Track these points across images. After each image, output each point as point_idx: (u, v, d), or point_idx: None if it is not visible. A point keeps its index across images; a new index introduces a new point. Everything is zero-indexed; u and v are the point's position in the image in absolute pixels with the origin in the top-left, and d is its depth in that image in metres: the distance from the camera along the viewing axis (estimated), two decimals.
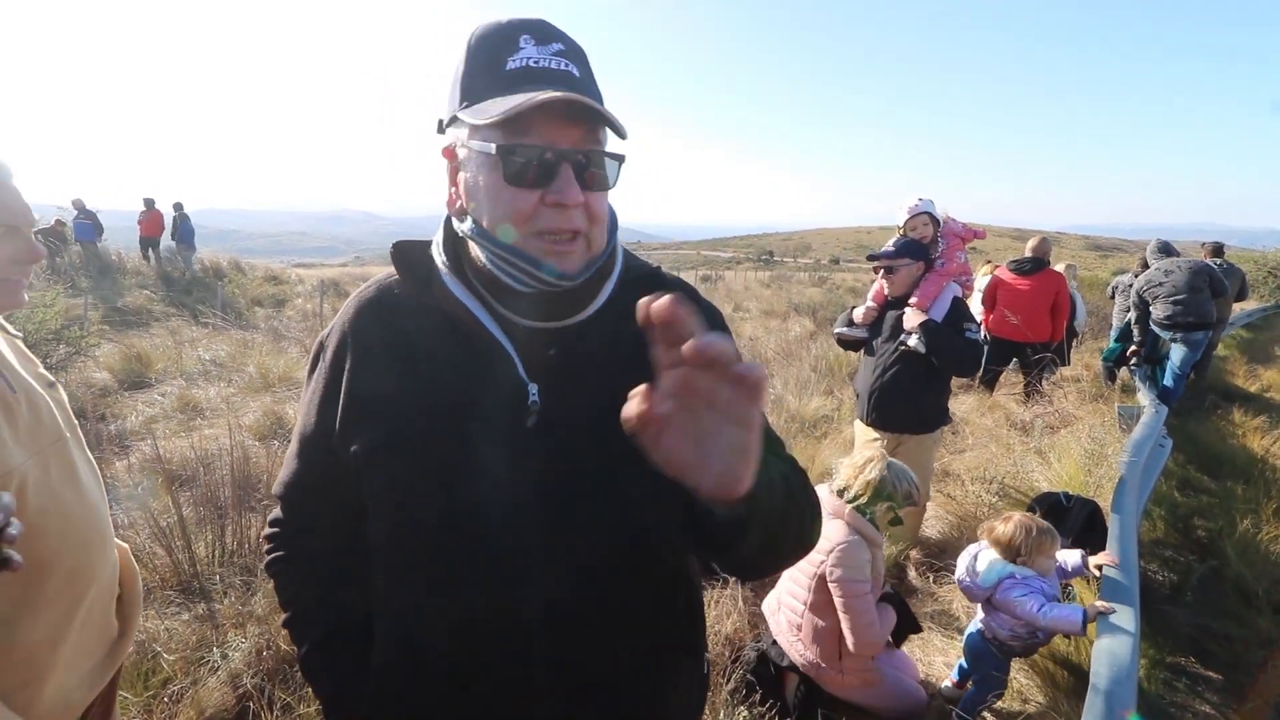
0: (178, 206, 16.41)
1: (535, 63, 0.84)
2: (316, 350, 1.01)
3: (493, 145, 0.82)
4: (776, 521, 0.79)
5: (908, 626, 2.72)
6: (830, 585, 2.44)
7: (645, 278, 1.00)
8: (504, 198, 0.83)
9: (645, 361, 0.94)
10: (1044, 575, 2.54)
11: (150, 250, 16.31)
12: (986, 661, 2.63)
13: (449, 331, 0.92)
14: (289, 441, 1.08)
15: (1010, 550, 2.56)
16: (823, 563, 2.45)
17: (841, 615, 2.42)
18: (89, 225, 15.36)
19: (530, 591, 0.91)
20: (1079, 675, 2.61)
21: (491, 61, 0.85)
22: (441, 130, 0.93)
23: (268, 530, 1.10)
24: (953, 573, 3.59)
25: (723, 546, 0.79)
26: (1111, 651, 2.12)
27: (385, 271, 1.03)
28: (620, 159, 0.88)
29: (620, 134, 0.85)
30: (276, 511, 1.09)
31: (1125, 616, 2.33)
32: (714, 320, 1.05)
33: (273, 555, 1.09)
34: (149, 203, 16.27)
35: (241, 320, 11.21)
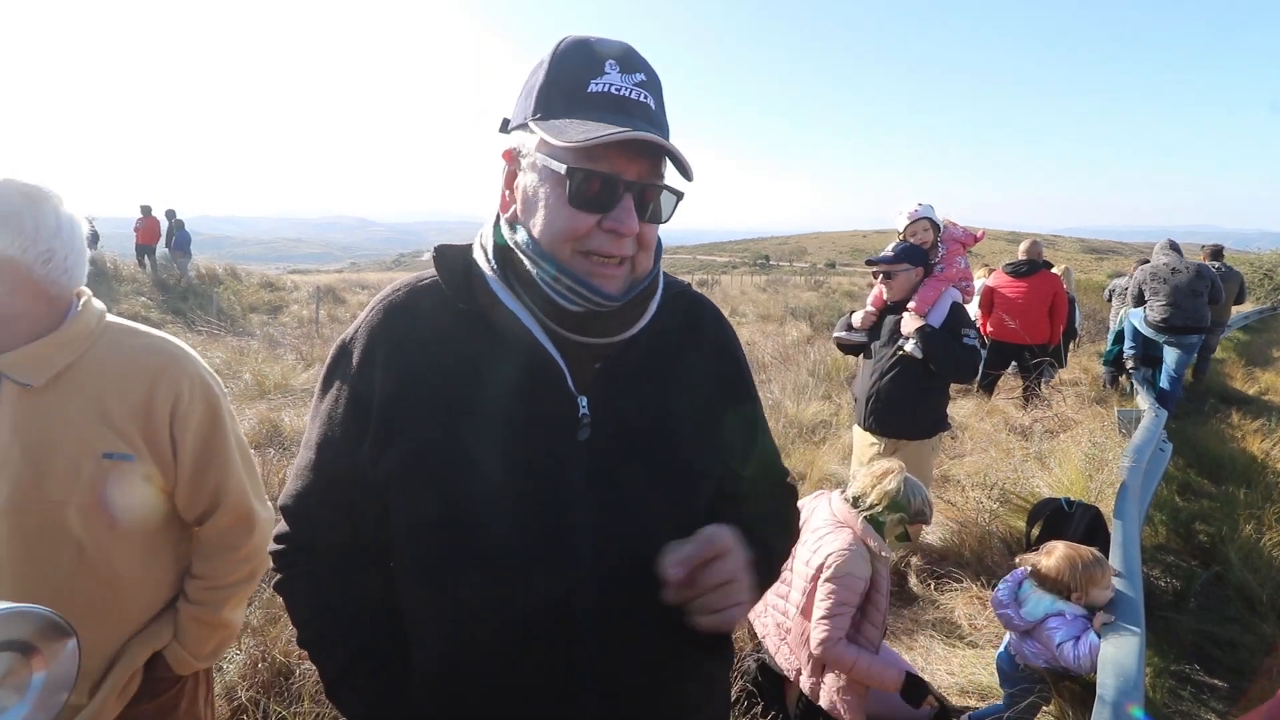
0: (170, 214, 16.32)
1: (618, 90, 0.86)
2: (337, 355, 0.98)
3: (563, 166, 0.84)
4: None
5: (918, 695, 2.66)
6: (820, 585, 2.40)
7: (679, 295, 1.05)
8: (563, 215, 0.85)
9: (683, 375, 1.00)
10: (1099, 605, 2.44)
11: (146, 257, 16.23)
12: (1012, 682, 2.59)
13: (491, 339, 0.92)
14: (288, 450, 1.06)
15: (1058, 587, 2.47)
16: (821, 566, 2.41)
17: (815, 610, 2.38)
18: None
19: (581, 599, 0.91)
20: (1085, 684, 2.59)
21: (575, 80, 0.87)
22: (505, 130, 0.95)
23: (274, 547, 1.05)
24: (955, 580, 3.58)
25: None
26: (1117, 661, 2.10)
27: (412, 275, 1.01)
28: (679, 195, 0.91)
29: (687, 175, 0.87)
30: (282, 526, 1.05)
31: (1130, 625, 2.31)
32: (731, 344, 1.10)
33: (283, 574, 1.04)
34: (145, 210, 16.18)
35: (237, 327, 11.18)
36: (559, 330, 0.90)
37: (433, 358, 0.92)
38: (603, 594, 0.91)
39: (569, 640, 0.91)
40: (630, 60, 0.88)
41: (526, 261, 0.89)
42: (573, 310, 0.88)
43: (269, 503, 1.47)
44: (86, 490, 1.22)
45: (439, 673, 0.97)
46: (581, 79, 0.86)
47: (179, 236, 16.06)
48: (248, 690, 2.38)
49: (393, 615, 1.00)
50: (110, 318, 1.34)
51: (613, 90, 0.86)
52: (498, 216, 0.95)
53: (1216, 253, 7.86)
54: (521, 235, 0.89)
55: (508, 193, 0.93)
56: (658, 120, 0.88)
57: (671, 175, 0.90)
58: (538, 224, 0.88)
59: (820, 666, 2.45)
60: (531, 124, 0.87)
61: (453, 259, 0.96)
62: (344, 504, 0.97)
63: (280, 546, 1.04)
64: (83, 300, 1.30)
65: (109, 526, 1.25)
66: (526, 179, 0.90)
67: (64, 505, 1.21)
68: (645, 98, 0.88)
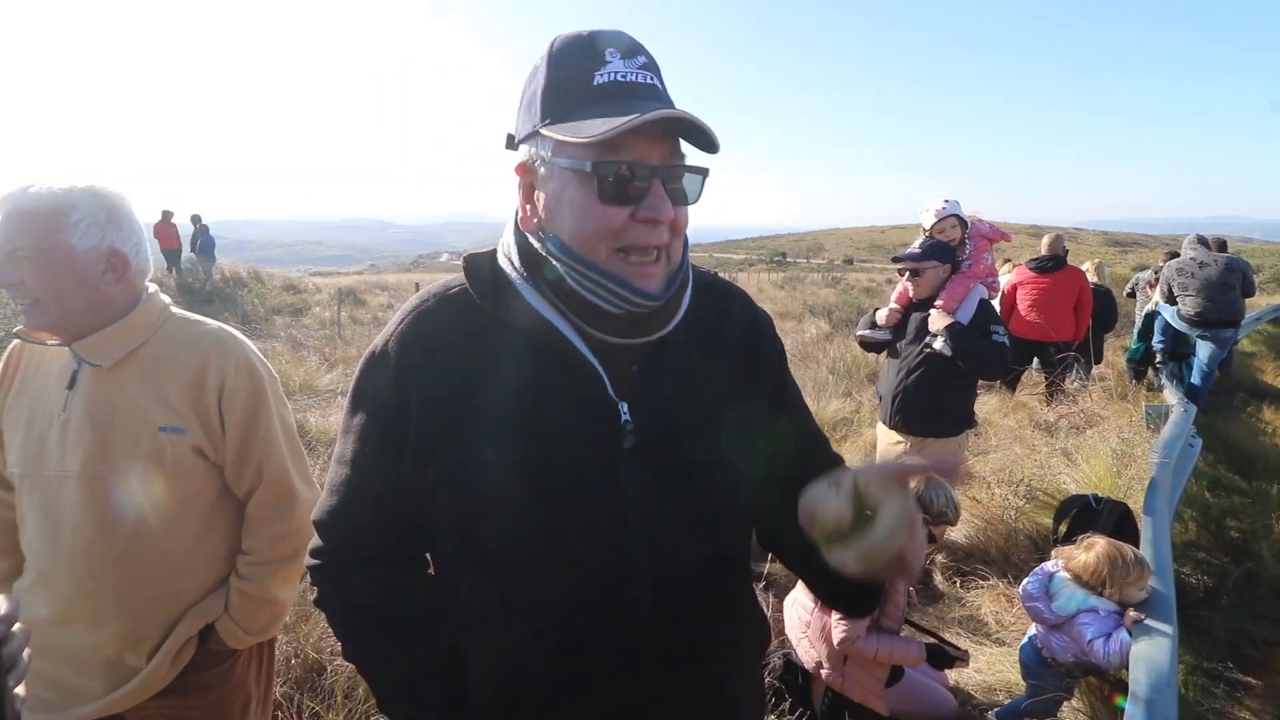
0: (196, 218, 16.52)
1: (623, 77, 0.83)
2: (366, 367, 0.94)
3: (587, 163, 0.81)
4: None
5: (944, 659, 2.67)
6: None
7: (709, 286, 1.02)
8: (595, 214, 0.83)
9: (718, 368, 0.98)
10: (1132, 603, 2.41)
11: (169, 262, 16.38)
12: (1037, 675, 2.57)
13: (527, 347, 0.89)
14: (314, 450, 1.08)
15: (1093, 581, 2.43)
16: None
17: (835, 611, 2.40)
18: None
19: (636, 607, 0.91)
20: (1116, 682, 2.56)
21: (578, 76, 0.84)
22: (513, 146, 0.92)
23: (310, 562, 1.00)
24: (981, 578, 3.56)
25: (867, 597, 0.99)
26: (1150, 659, 2.08)
27: (440, 283, 0.99)
28: (704, 172, 0.88)
29: (714, 148, 0.84)
30: (317, 541, 1.00)
31: (1162, 622, 2.28)
32: (764, 334, 1.07)
33: (324, 589, 1.00)
34: (166, 215, 16.18)
35: (261, 329, 11.33)
36: (594, 333, 0.88)
37: (469, 370, 0.89)
38: (658, 599, 0.92)
39: (623, 643, 0.92)
40: (629, 45, 0.85)
41: (561, 268, 0.86)
42: (609, 310, 0.86)
43: (314, 483, 1.55)
44: (145, 460, 1.34)
45: (497, 691, 0.96)
46: (585, 73, 0.83)
47: (204, 240, 16.28)
48: (281, 686, 2.41)
49: (441, 624, 0.99)
50: (174, 309, 1.48)
51: (619, 78, 0.83)
52: (517, 219, 0.93)
53: (1221, 246, 7.64)
54: (552, 244, 0.86)
55: (528, 207, 0.90)
56: (666, 99, 0.86)
57: (697, 159, 0.87)
58: (568, 229, 0.85)
59: (842, 659, 2.46)
60: (543, 130, 0.84)
61: (481, 266, 0.94)
62: (385, 520, 0.95)
63: (317, 562, 1.00)
64: (149, 292, 1.43)
65: (165, 495, 1.37)
66: (547, 187, 0.86)
67: (126, 474, 1.33)
68: (651, 79, 0.85)
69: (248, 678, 1.57)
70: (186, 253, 16.62)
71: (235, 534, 1.50)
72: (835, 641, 2.38)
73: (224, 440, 1.42)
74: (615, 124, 0.77)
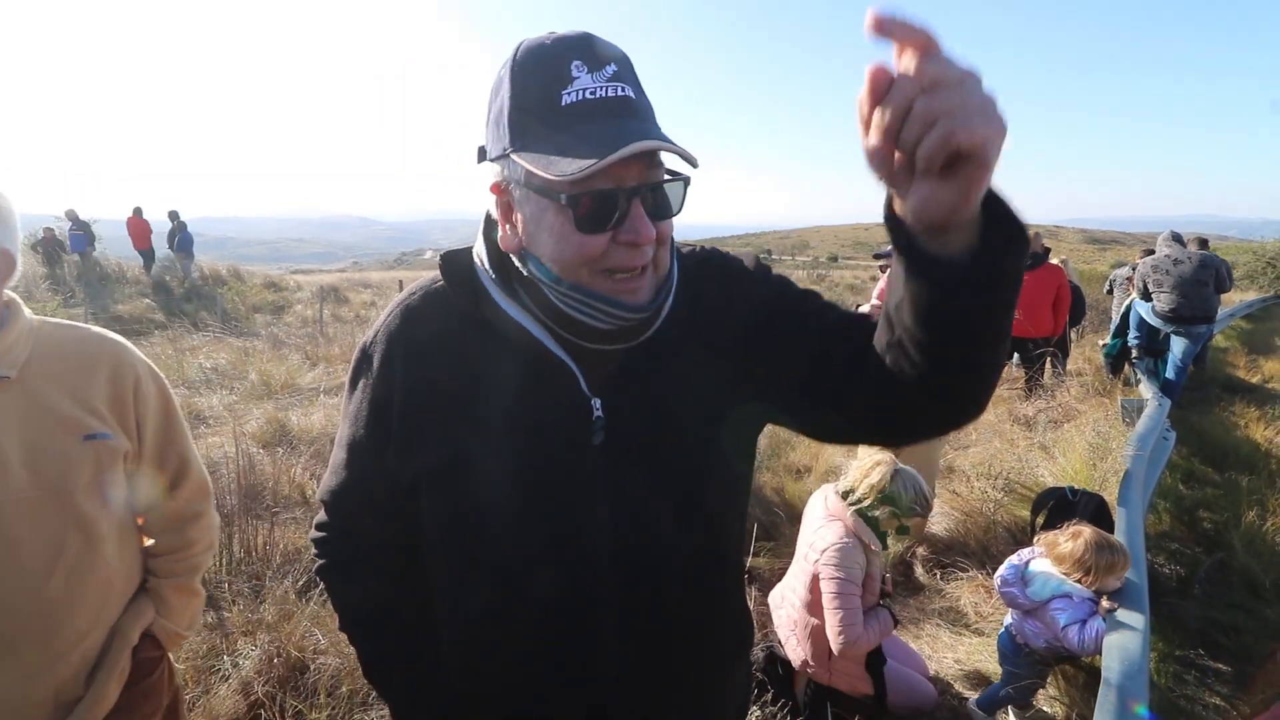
0: (174, 215, 16.26)
1: (592, 94, 0.77)
2: (360, 358, 0.98)
3: (561, 194, 0.78)
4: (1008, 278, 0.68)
5: None
6: (820, 584, 2.43)
7: (699, 264, 0.97)
8: (573, 242, 0.79)
9: (702, 363, 0.93)
10: (1107, 591, 2.43)
11: (144, 259, 16.17)
12: (1012, 662, 2.61)
13: (504, 346, 0.89)
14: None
15: (1076, 568, 2.45)
16: (817, 561, 2.43)
17: (826, 613, 2.40)
18: (81, 236, 15.28)
19: (605, 606, 0.92)
20: (1091, 670, 2.62)
21: (543, 95, 0.78)
22: (484, 160, 0.88)
23: (315, 534, 1.09)
24: (961, 569, 3.61)
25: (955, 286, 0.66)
26: (1123, 645, 2.13)
27: (428, 277, 0.99)
28: (687, 181, 0.84)
29: (692, 164, 0.79)
30: (322, 515, 1.08)
31: (1135, 610, 2.33)
32: (741, 297, 0.96)
33: (322, 562, 1.09)
34: (137, 211, 15.99)
35: (241, 328, 11.21)
36: (573, 339, 0.87)
37: (449, 365, 0.91)
38: (622, 595, 0.92)
39: (590, 640, 0.93)
40: (595, 53, 0.79)
41: (546, 289, 0.84)
42: (603, 328, 0.84)
43: None
44: (79, 472, 1.24)
45: (465, 668, 0.99)
46: (551, 93, 0.78)
47: (182, 238, 16.04)
48: (264, 685, 2.41)
49: (425, 605, 1.03)
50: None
51: (587, 95, 0.77)
52: (487, 217, 0.92)
53: (1202, 244, 7.80)
54: (534, 265, 0.85)
55: (508, 228, 0.86)
56: (640, 109, 0.80)
57: (676, 162, 0.81)
58: (548, 253, 0.82)
59: (826, 655, 2.48)
60: (514, 156, 0.80)
61: (457, 265, 0.93)
62: (375, 502, 1.00)
63: (321, 534, 1.08)
64: (7, 296, 1.26)
65: (102, 506, 1.29)
66: (524, 210, 0.83)
67: (59, 490, 1.22)
68: (623, 90, 0.79)
69: (172, 680, 1.53)
70: (164, 250, 16.39)
71: (140, 538, 1.44)
72: (838, 649, 2.36)
73: (139, 442, 1.35)
74: (585, 162, 0.73)
